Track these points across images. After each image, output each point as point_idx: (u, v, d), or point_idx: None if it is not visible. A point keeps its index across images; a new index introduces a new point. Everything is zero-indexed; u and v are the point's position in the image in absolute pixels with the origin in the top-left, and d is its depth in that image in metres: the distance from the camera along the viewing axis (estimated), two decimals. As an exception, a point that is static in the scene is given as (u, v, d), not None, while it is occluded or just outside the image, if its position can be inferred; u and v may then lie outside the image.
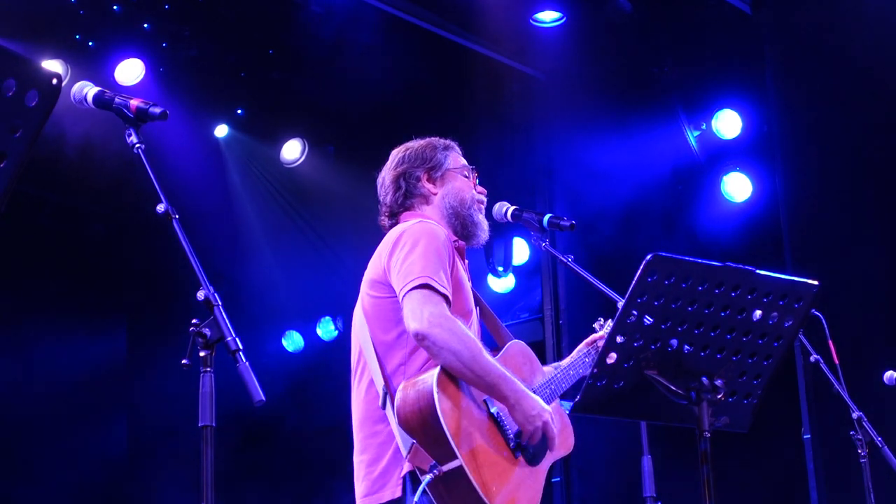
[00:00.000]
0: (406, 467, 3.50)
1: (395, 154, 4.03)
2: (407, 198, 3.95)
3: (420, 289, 3.53)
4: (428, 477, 3.34)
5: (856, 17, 6.75)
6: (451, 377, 3.50)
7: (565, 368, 4.00)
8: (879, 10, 6.68)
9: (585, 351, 4.12)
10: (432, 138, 4.07)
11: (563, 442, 3.86)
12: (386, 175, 4.00)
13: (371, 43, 7.49)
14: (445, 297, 3.55)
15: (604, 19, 7.49)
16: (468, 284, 3.90)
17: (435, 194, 3.96)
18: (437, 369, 3.49)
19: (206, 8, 7.31)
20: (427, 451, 3.40)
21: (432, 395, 3.42)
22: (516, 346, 3.92)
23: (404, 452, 3.49)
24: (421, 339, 3.48)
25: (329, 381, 8.59)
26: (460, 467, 3.36)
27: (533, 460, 3.68)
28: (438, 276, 3.57)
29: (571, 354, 4.14)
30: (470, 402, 3.54)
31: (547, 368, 4.05)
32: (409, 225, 3.76)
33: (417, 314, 3.49)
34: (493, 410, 3.61)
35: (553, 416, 3.70)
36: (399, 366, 3.64)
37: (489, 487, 3.41)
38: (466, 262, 4.03)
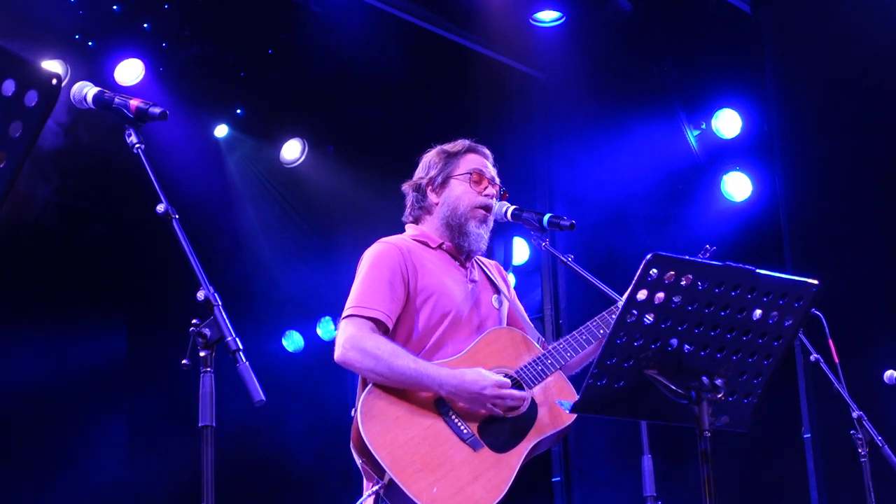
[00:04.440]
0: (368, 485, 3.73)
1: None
2: (413, 210, 4.11)
3: (345, 319, 3.80)
4: (373, 489, 3.59)
5: (855, 17, 6.75)
6: (384, 392, 3.67)
7: (569, 337, 3.90)
8: (879, 10, 6.68)
9: (599, 317, 3.96)
10: (448, 144, 4.15)
11: (554, 419, 3.81)
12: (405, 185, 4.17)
13: (371, 43, 7.50)
14: (370, 318, 3.75)
15: (604, 19, 7.50)
16: (455, 287, 3.93)
17: (436, 204, 4.06)
18: (364, 392, 3.66)
19: (206, 8, 7.31)
20: (371, 469, 3.61)
21: (358, 421, 3.60)
22: (494, 334, 3.92)
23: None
24: (342, 364, 3.72)
25: (329, 381, 8.59)
26: (391, 480, 3.54)
27: (504, 447, 3.70)
28: (368, 300, 3.78)
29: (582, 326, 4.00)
30: (406, 414, 3.66)
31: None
32: (367, 251, 3.96)
33: (337, 344, 3.76)
34: (443, 410, 3.70)
35: (549, 388, 3.78)
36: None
37: (427, 491, 3.54)
38: (471, 260, 4.06)
